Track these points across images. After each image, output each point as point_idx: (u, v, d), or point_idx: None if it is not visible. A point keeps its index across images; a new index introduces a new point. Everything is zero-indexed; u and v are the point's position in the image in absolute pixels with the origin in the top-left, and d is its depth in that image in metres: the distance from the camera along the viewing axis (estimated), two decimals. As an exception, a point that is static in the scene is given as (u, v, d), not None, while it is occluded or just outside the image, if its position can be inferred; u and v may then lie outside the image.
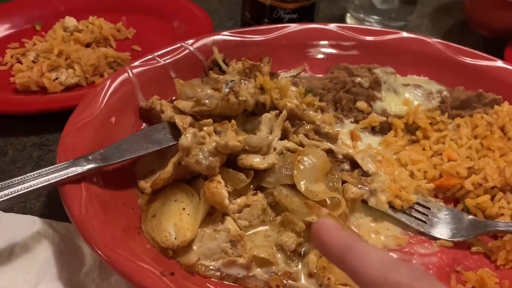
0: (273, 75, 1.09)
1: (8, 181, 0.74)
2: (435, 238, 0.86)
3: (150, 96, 1.02)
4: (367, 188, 0.89)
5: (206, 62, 1.13)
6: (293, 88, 1.06)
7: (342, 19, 1.61)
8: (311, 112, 1.01)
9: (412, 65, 1.21)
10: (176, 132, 0.91)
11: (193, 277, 0.75)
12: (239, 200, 0.84)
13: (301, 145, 0.94)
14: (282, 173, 0.87)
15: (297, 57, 1.22)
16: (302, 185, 0.84)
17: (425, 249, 0.84)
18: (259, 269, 0.78)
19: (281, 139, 0.94)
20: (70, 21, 1.36)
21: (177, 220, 0.79)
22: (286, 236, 0.80)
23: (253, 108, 0.98)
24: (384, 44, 1.23)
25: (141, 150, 0.87)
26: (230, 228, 0.79)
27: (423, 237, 0.86)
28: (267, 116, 0.95)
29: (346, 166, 0.93)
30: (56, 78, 1.18)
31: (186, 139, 0.81)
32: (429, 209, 0.89)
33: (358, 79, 1.11)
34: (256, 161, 0.86)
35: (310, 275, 0.77)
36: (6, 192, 0.72)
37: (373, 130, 1.07)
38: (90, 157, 0.81)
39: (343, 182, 0.89)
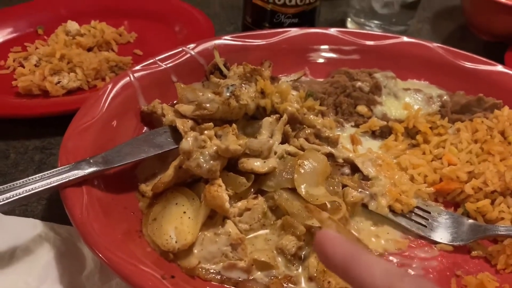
0: (274, 79, 1.10)
1: (9, 184, 0.74)
2: (435, 242, 0.86)
3: (151, 100, 1.02)
4: (367, 192, 0.89)
5: (207, 66, 1.14)
6: (294, 92, 1.06)
7: (342, 24, 1.62)
8: (311, 116, 1.02)
9: (412, 70, 1.22)
10: (177, 135, 0.91)
11: (194, 280, 0.75)
12: (239, 204, 0.84)
13: (302, 149, 0.95)
14: (283, 177, 0.87)
15: (298, 61, 1.23)
16: (302, 189, 0.84)
17: (425, 253, 0.84)
18: (259, 273, 0.78)
19: (282, 143, 0.95)
20: (72, 25, 1.37)
21: (178, 223, 0.80)
22: (286, 239, 0.80)
23: (254, 112, 0.99)
24: (385, 48, 1.23)
25: (142, 153, 0.88)
26: (230, 232, 0.79)
27: (423, 241, 0.86)
28: (267, 120, 0.96)
29: (347, 170, 0.94)
30: (58, 82, 1.19)
31: (187, 142, 0.81)
32: (429, 213, 0.90)
33: (359, 84, 1.11)
34: (256, 164, 0.87)
35: (310, 279, 0.77)
36: (7, 195, 0.72)
37: (373, 134, 1.07)
38: (91, 161, 0.82)
39: (344, 186, 0.90)
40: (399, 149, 1.01)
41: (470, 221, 0.88)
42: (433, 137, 1.03)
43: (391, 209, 0.89)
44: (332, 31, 1.26)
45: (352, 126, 1.09)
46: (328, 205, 0.84)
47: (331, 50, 1.24)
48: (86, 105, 0.94)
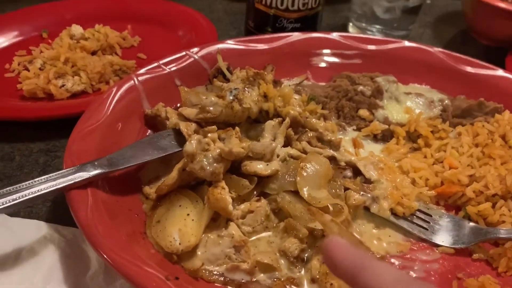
0: (276, 83, 1.11)
1: (15, 186, 0.75)
2: (437, 245, 0.86)
3: (155, 103, 1.03)
4: (369, 195, 0.90)
5: (210, 70, 1.15)
6: (296, 96, 1.07)
7: (344, 28, 1.63)
8: (313, 119, 1.03)
9: (413, 74, 1.23)
10: (180, 138, 0.92)
11: (197, 282, 0.76)
12: (242, 206, 0.85)
13: (304, 152, 0.95)
14: (285, 180, 0.88)
15: (300, 65, 1.24)
16: (305, 192, 0.85)
17: (426, 256, 0.85)
18: (262, 275, 0.78)
19: (284, 146, 0.96)
20: (77, 29, 1.38)
21: (182, 225, 0.80)
22: (289, 242, 0.81)
23: (257, 115, 0.99)
24: (386, 53, 1.24)
25: (147, 156, 0.88)
26: (234, 234, 0.80)
27: (424, 244, 0.87)
28: (270, 124, 0.97)
29: (349, 173, 0.94)
30: (63, 85, 1.20)
31: (191, 145, 0.82)
32: (431, 216, 0.90)
33: (360, 88, 1.12)
34: (259, 167, 0.87)
35: (313, 281, 0.78)
36: (13, 196, 0.73)
37: (375, 138, 1.08)
38: (96, 163, 0.82)
39: (346, 189, 0.90)
40: (400, 152, 1.02)
41: (471, 224, 0.89)
42: (434, 141, 1.03)
43: (393, 212, 0.89)
44: (334, 35, 1.27)
45: (354, 129, 1.10)
46: (331, 208, 0.84)
47: (333, 55, 1.25)
48: (90, 108, 0.95)
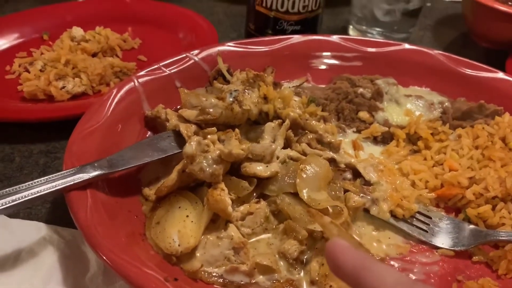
0: (276, 85, 1.11)
1: (15, 187, 0.75)
2: (437, 247, 0.86)
3: (155, 105, 1.04)
4: (369, 197, 0.90)
5: (210, 72, 1.15)
6: (296, 98, 1.07)
7: (344, 31, 1.63)
8: (313, 121, 1.03)
9: (414, 76, 1.23)
10: (180, 140, 0.92)
11: (197, 283, 0.75)
12: (242, 208, 0.85)
13: (304, 154, 0.95)
14: (285, 182, 0.88)
15: (300, 67, 1.24)
16: (304, 194, 0.85)
17: (426, 258, 0.85)
18: (261, 276, 0.78)
19: (284, 148, 0.96)
20: (77, 31, 1.39)
21: (181, 227, 0.80)
22: (288, 244, 0.81)
23: (257, 117, 1.00)
24: (386, 55, 1.25)
25: (146, 157, 0.88)
26: (233, 235, 0.80)
27: (424, 246, 0.87)
28: (270, 125, 0.97)
29: (348, 175, 0.94)
30: (63, 87, 1.20)
31: (191, 147, 0.82)
32: (431, 218, 0.90)
33: (361, 90, 1.13)
34: (259, 169, 0.87)
35: (312, 283, 0.77)
36: (13, 197, 0.73)
37: (375, 140, 1.08)
38: (96, 164, 0.82)
39: (345, 191, 0.90)
40: (400, 154, 1.02)
41: (471, 226, 0.88)
42: (434, 143, 1.03)
43: (393, 214, 0.89)
44: (334, 38, 1.27)
45: (354, 131, 1.10)
46: (330, 210, 0.84)
47: (333, 57, 1.26)
48: (91, 109, 0.96)
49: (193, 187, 0.89)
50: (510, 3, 1.40)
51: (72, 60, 1.25)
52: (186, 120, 0.96)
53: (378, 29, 1.52)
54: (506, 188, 0.89)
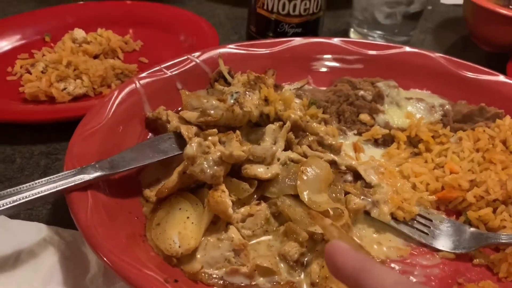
0: (277, 87, 1.11)
1: (16, 187, 0.75)
2: (437, 250, 0.86)
3: (156, 107, 1.04)
4: (369, 199, 0.89)
5: (211, 74, 1.15)
6: (297, 100, 1.07)
7: (345, 34, 1.64)
8: (314, 123, 1.03)
9: (414, 79, 1.23)
10: (181, 141, 0.92)
11: (197, 285, 0.75)
12: (242, 210, 0.85)
13: (305, 156, 0.95)
14: (286, 183, 0.88)
15: (301, 70, 1.24)
16: (305, 196, 0.85)
17: (427, 261, 0.84)
18: (262, 278, 0.78)
19: (285, 150, 0.96)
20: (79, 33, 1.39)
21: (181, 228, 0.80)
22: (289, 246, 0.81)
23: (258, 119, 1.00)
24: (387, 58, 1.25)
25: (147, 159, 0.89)
26: (233, 237, 0.80)
27: (425, 249, 0.87)
28: (271, 127, 0.97)
29: (349, 177, 0.94)
30: (64, 89, 1.20)
31: (192, 148, 0.82)
32: (431, 221, 0.90)
33: (361, 92, 1.13)
34: (260, 171, 0.87)
35: (312, 285, 0.77)
36: (14, 198, 0.73)
37: (375, 142, 1.08)
38: (97, 165, 0.82)
39: (346, 193, 0.90)
40: (401, 157, 1.02)
41: (472, 229, 0.88)
42: (435, 145, 1.03)
43: (393, 217, 0.89)
44: (335, 40, 1.27)
45: (354, 134, 1.10)
46: (331, 212, 0.84)
47: (334, 60, 1.26)
48: (92, 111, 0.96)
49: (194, 188, 0.89)
50: (511, 7, 1.41)
51: (74, 62, 1.25)
52: (187, 122, 0.97)
53: (379, 32, 1.52)
54: (507, 191, 0.89)
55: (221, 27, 1.64)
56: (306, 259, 0.81)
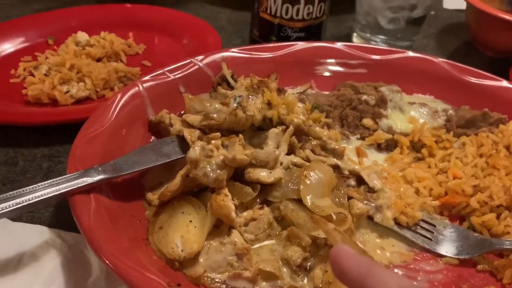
0: (280, 91, 1.11)
1: (19, 190, 0.75)
2: (441, 255, 0.86)
3: (159, 110, 1.04)
4: (373, 204, 0.89)
5: (214, 77, 1.15)
6: (300, 105, 1.07)
7: (348, 39, 1.64)
8: (317, 128, 1.03)
9: (417, 84, 1.23)
10: (184, 145, 0.92)
11: (199, 289, 0.75)
12: (245, 214, 0.85)
13: (308, 160, 0.95)
14: (289, 188, 0.87)
15: (304, 74, 1.24)
16: (308, 200, 0.84)
17: (430, 266, 0.84)
18: (264, 283, 0.78)
19: (288, 154, 0.95)
20: (82, 36, 1.39)
21: (184, 232, 0.80)
22: (292, 250, 0.80)
23: (260, 123, 1.00)
24: (390, 63, 1.25)
25: (150, 162, 0.88)
26: (236, 241, 0.79)
27: (428, 254, 0.86)
28: (274, 131, 0.97)
29: (352, 182, 0.94)
30: (67, 91, 1.20)
31: (195, 151, 0.82)
32: (435, 226, 0.90)
33: (364, 97, 1.13)
34: (263, 175, 0.87)
35: (315, 290, 0.77)
36: (17, 200, 0.73)
37: (379, 147, 1.08)
38: (100, 168, 0.82)
39: (349, 197, 0.90)
40: (404, 162, 1.02)
41: (476, 235, 0.88)
42: (438, 150, 1.03)
43: (396, 222, 0.89)
44: (339, 45, 1.27)
45: (357, 138, 1.09)
46: (334, 217, 0.84)
47: (337, 64, 1.26)
48: (95, 113, 0.96)
49: (196, 192, 0.89)
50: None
51: (77, 65, 1.25)
52: (190, 125, 0.96)
53: (382, 36, 1.52)
54: (510, 196, 0.89)
55: (223, 31, 1.64)
56: (309, 264, 0.81)
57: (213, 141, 0.86)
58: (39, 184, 0.76)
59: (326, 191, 0.88)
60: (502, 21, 1.34)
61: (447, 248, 0.86)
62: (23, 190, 0.75)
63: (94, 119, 0.94)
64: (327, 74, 1.25)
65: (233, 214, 0.81)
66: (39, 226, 0.88)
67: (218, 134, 0.89)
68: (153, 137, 1.03)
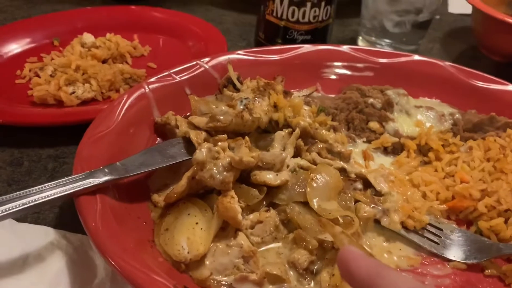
0: (286, 93, 1.11)
1: (25, 190, 0.74)
2: (448, 260, 0.85)
3: (165, 112, 1.03)
4: (380, 208, 0.89)
5: (220, 80, 1.15)
6: (306, 107, 1.07)
7: (353, 42, 1.64)
8: (323, 131, 1.02)
9: (424, 88, 1.22)
10: (190, 147, 0.92)
11: (205, 291, 0.75)
12: (251, 216, 0.84)
13: (314, 163, 0.95)
14: (295, 190, 0.87)
15: (310, 77, 1.24)
16: (315, 203, 0.84)
17: (438, 271, 0.83)
18: (271, 286, 0.77)
19: (294, 157, 0.95)
20: (88, 37, 1.39)
21: (190, 234, 0.79)
22: (298, 253, 0.80)
23: (267, 125, 0.99)
24: (397, 66, 1.24)
25: (156, 164, 0.88)
26: (242, 244, 0.79)
27: (435, 259, 0.86)
28: (280, 134, 0.96)
29: (359, 185, 0.93)
30: (73, 92, 1.20)
31: (201, 153, 0.82)
32: (442, 230, 0.89)
33: (371, 100, 1.12)
34: (269, 177, 0.87)
35: (322, 293, 0.76)
36: (24, 201, 0.73)
37: (385, 151, 1.07)
38: (106, 170, 0.82)
39: (356, 201, 0.89)
40: (411, 165, 1.01)
41: (484, 239, 0.87)
42: (445, 154, 1.02)
43: (404, 226, 0.88)
44: (345, 48, 1.27)
45: (364, 142, 1.09)
46: (340, 220, 0.83)
47: (343, 67, 1.25)
48: (101, 114, 0.95)
49: (202, 194, 0.89)
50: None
51: (82, 66, 1.25)
52: (196, 127, 0.96)
53: (387, 40, 1.52)
54: (518, 201, 0.88)
55: (228, 34, 1.64)
56: (315, 267, 0.80)
57: (219, 143, 0.86)
58: (46, 184, 0.76)
59: (333, 194, 0.87)
60: (509, 25, 1.34)
61: (455, 253, 0.85)
62: (29, 191, 0.74)
63: (101, 120, 0.94)
64: (333, 77, 1.25)
65: (240, 217, 0.81)
66: (44, 227, 0.87)
67: (225, 136, 0.88)
68: (158, 139, 1.02)
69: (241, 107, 0.96)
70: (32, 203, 0.73)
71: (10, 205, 0.72)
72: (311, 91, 1.20)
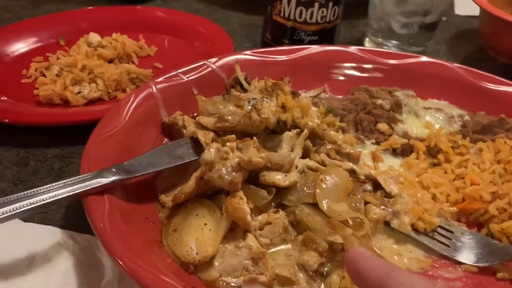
0: (294, 94, 1.10)
1: (33, 190, 0.74)
2: (459, 263, 0.84)
3: (172, 112, 1.03)
4: (390, 210, 0.88)
5: (228, 80, 1.14)
6: (314, 108, 1.06)
7: (360, 43, 1.63)
8: (332, 132, 1.01)
9: (432, 89, 1.21)
10: (197, 147, 0.91)
11: (214, 293, 0.74)
12: (260, 217, 0.83)
13: (323, 164, 0.94)
14: (304, 192, 0.86)
15: (318, 77, 1.23)
16: (324, 204, 0.83)
17: (449, 274, 0.82)
18: (280, 288, 0.76)
19: (302, 158, 0.94)
20: (94, 37, 1.39)
21: (199, 235, 0.79)
22: (308, 255, 0.79)
23: (275, 126, 0.98)
24: (405, 67, 1.23)
25: (164, 164, 0.87)
26: (252, 245, 0.78)
27: (446, 261, 0.84)
28: (288, 135, 0.96)
29: (369, 186, 0.92)
30: (79, 92, 1.20)
31: (210, 153, 0.81)
32: (452, 232, 0.88)
33: (379, 101, 1.11)
34: (278, 178, 0.86)
35: (332, 296, 0.75)
36: (31, 200, 0.72)
37: (394, 152, 1.06)
38: (114, 170, 0.81)
39: (366, 202, 0.88)
40: (420, 167, 1.00)
41: (495, 242, 0.86)
42: (455, 156, 1.01)
43: (414, 228, 0.87)
44: (352, 49, 1.26)
45: (372, 143, 1.08)
46: (350, 222, 0.82)
47: (351, 68, 1.25)
48: (108, 114, 0.95)
49: (210, 195, 0.88)
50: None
51: (88, 66, 1.25)
52: (203, 127, 0.95)
53: (394, 41, 1.51)
54: (530, 204, 0.87)
55: (235, 34, 1.63)
56: (325, 269, 0.79)
57: (228, 144, 0.85)
58: (53, 184, 0.75)
59: (342, 195, 0.86)
60: (515, 27, 1.33)
61: (466, 256, 0.84)
62: (36, 190, 0.74)
63: (108, 120, 0.94)
64: (341, 78, 1.24)
65: (249, 218, 0.80)
66: (51, 227, 0.86)
67: (234, 136, 0.88)
68: (166, 139, 1.02)
69: (249, 107, 0.95)
70: (40, 203, 0.73)
71: (17, 205, 0.71)
72: (318, 92, 1.19)
